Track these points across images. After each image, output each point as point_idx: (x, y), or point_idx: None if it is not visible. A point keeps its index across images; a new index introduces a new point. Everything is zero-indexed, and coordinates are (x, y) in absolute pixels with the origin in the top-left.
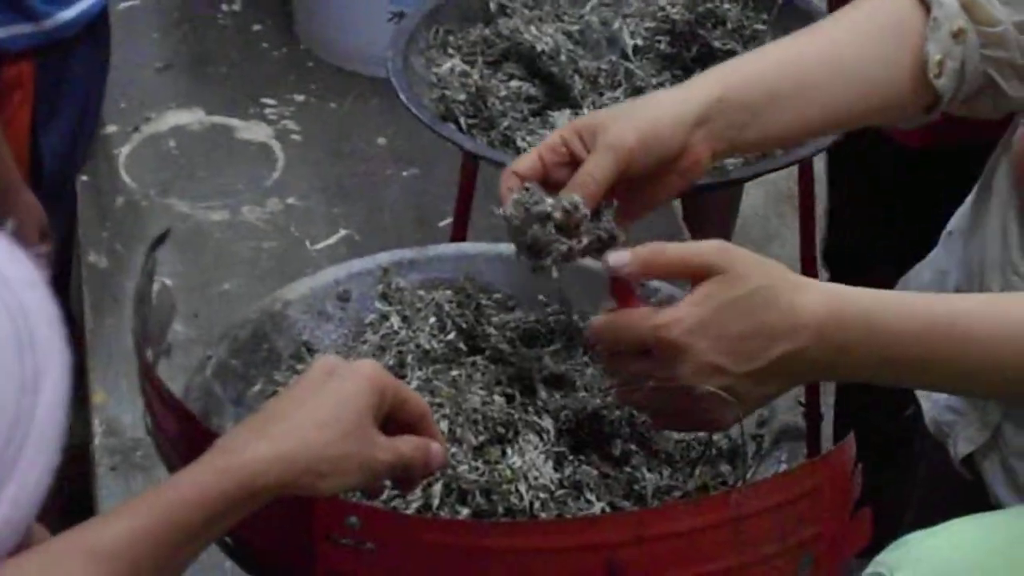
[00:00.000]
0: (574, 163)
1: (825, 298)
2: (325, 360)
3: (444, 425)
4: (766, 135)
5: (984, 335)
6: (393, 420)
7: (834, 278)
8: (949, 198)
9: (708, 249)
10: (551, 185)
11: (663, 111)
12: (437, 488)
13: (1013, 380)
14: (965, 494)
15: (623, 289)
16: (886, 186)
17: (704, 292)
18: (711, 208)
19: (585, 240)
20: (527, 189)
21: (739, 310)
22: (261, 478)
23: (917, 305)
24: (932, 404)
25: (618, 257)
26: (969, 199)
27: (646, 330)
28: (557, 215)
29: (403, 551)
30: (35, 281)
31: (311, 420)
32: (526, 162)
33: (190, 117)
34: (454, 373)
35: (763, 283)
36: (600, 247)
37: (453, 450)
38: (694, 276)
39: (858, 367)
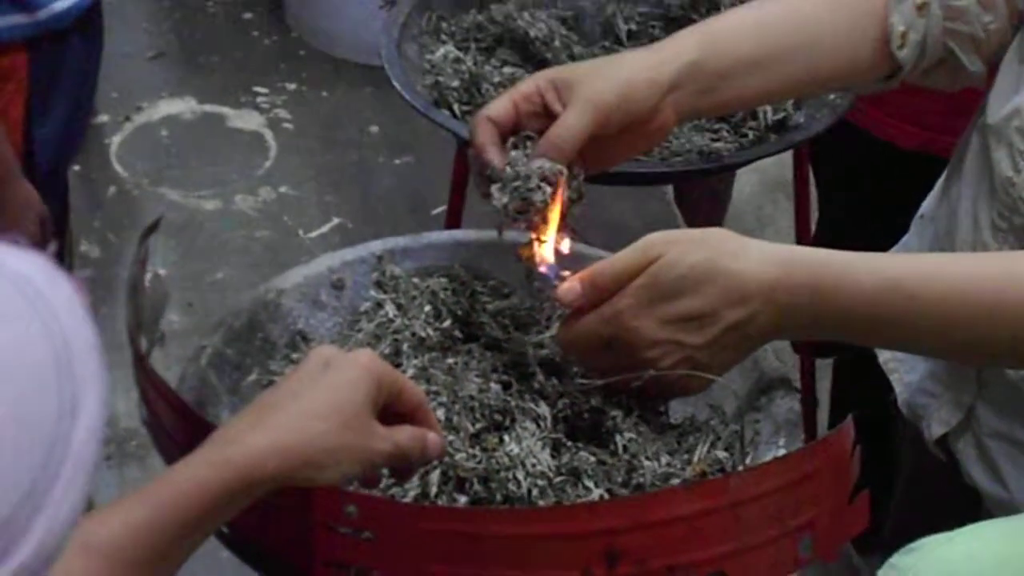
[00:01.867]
0: (546, 114)
1: (771, 262)
2: (321, 350)
3: (441, 413)
4: (731, 99)
5: (931, 296)
6: (390, 410)
7: None
8: (918, 173)
9: (644, 244)
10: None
11: (639, 72)
12: (435, 476)
13: (962, 341)
14: (943, 475)
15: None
16: (873, 186)
17: (644, 279)
18: (703, 193)
19: (561, 200)
20: (516, 147)
21: (680, 287)
22: (259, 470)
23: (864, 266)
24: (905, 387)
25: (569, 291)
26: (939, 182)
27: (600, 325)
28: (541, 182)
29: (401, 539)
30: (75, 305)
31: (308, 411)
32: (500, 108)
33: (182, 106)
34: (450, 361)
35: (701, 257)
36: (569, 205)
37: (450, 438)
38: (642, 272)
39: (809, 328)
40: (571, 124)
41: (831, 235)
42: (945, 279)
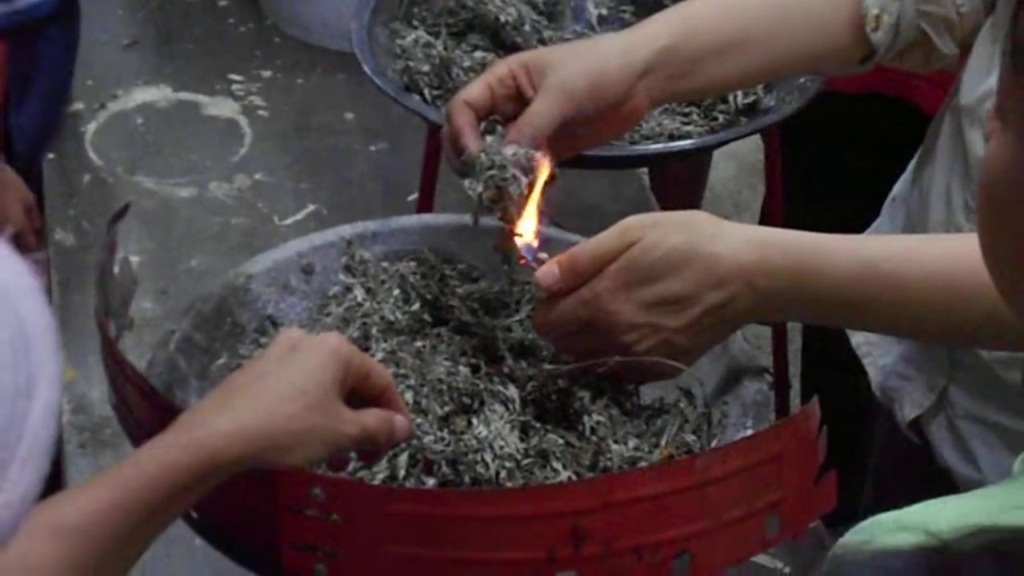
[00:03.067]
0: (519, 97)
1: (749, 245)
2: (288, 333)
3: (409, 396)
4: (704, 84)
5: (908, 277)
6: (357, 393)
7: None
8: (888, 155)
9: (622, 227)
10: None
11: (611, 57)
12: (403, 459)
13: (939, 322)
14: (917, 458)
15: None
16: (824, 137)
17: (622, 262)
18: (678, 177)
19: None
20: (491, 133)
21: (659, 270)
22: (224, 452)
23: (841, 248)
24: (878, 370)
25: (547, 275)
26: (911, 165)
27: (578, 308)
28: (515, 169)
29: (368, 521)
30: (31, 288)
31: (275, 393)
32: (476, 91)
33: (157, 94)
34: (419, 344)
35: (680, 240)
36: (542, 190)
37: (419, 421)
38: (620, 256)
39: (787, 311)
40: (541, 111)
41: (803, 217)
42: (922, 260)
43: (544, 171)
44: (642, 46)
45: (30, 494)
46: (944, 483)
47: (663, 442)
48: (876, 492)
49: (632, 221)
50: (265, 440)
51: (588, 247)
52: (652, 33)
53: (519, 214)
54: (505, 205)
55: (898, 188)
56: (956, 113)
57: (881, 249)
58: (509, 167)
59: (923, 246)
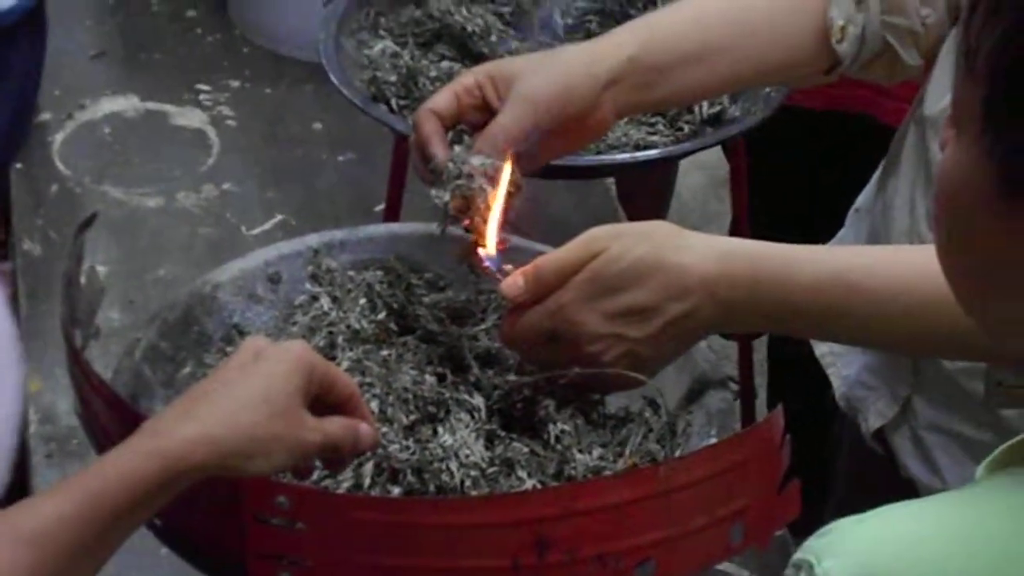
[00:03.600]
0: (485, 107)
1: (713, 256)
2: (253, 341)
3: (375, 405)
4: (669, 94)
5: (873, 288)
6: (322, 401)
7: None
8: (851, 168)
9: (587, 237)
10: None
11: (576, 68)
12: (368, 467)
13: (904, 333)
14: (881, 469)
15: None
16: (789, 151)
17: (587, 273)
18: (645, 187)
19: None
20: (458, 143)
21: (624, 280)
22: (187, 460)
23: (805, 258)
24: (842, 381)
25: (512, 286)
26: (875, 176)
27: (543, 319)
28: (482, 179)
29: (333, 529)
30: None
31: (239, 401)
32: (443, 101)
33: (124, 104)
34: (385, 353)
35: (645, 251)
36: (508, 200)
37: (384, 429)
38: (584, 267)
39: (751, 321)
40: (507, 121)
41: (769, 227)
42: (887, 271)
43: (509, 181)
44: (608, 56)
45: None
46: (908, 494)
47: (627, 451)
48: (840, 502)
49: (597, 232)
50: (229, 447)
51: (553, 258)
52: (618, 43)
53: (485, 224)
54: (471, 215)
55: (861, 199)
56: (920, 124)
57: (846, 259)
58: (476, 177)
59: (889, 257)
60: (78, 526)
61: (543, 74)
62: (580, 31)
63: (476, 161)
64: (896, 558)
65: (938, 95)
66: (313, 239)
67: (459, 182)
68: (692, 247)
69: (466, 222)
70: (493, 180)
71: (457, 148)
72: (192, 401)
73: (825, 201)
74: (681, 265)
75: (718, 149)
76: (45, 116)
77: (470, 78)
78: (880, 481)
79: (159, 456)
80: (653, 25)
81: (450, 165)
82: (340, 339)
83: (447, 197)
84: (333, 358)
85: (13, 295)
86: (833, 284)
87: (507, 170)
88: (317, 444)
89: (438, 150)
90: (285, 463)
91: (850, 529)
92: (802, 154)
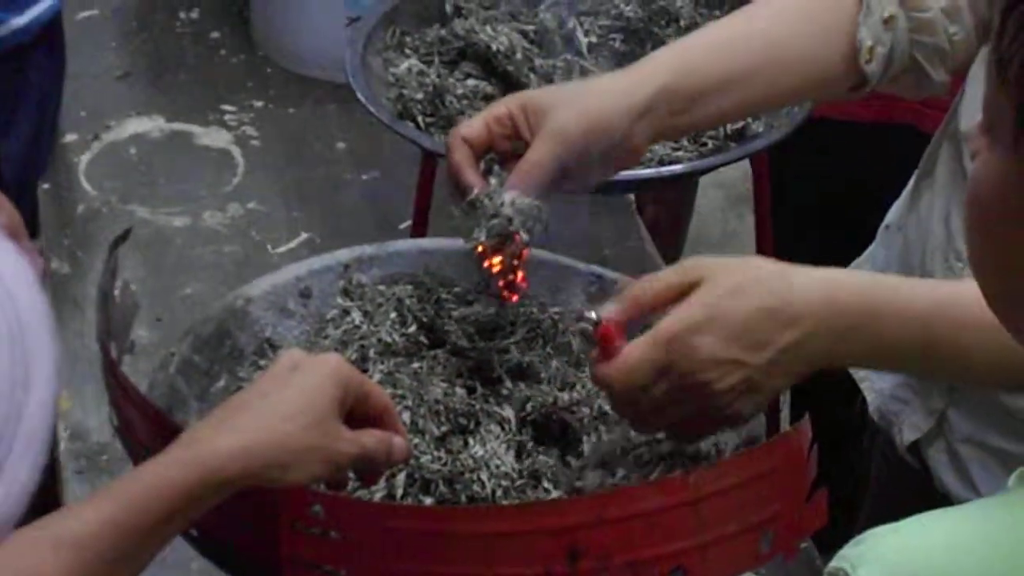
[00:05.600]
0: (517, 136)
1: (816, 284)
2: (290, 354)
3: (407, 416)
4: (701, 119)
5: (977, 319)
6: (356, 413)
7: None
8: (890, 180)
9: (688, 266)
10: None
11: (610, 101)
12: (400, 478)
13: (1007, 365)
14: (915, 482)
15: (608, 332)
16: (823, 163)
17: (696, 298)
18: (666, 203)
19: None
20: (488, 173)
21: (737, 301)
22: (225, 470)
23: (907, 291)
24: (876, 394)
25: (606, 309)
26: (906, 192)
27: (654, 350)
28: (518, 218)
29: (368, 538)
30: (27, 277)
31: (276, 413)
32: (475, 129)
33: (150, 124)
34: (415, 365)
35: (751, 275)
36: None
37: (416, 440)
38: (683, 296)
39: (860, 353)
40: (539, 158)
41: (791, 244)
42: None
43: (540, 217)
44: (640, 87)
45: (28, 485)
46: (942, 507)
47: (655, 473)
48: (871, 516)
49: (691, 262)
50: (265, 458)
51: (648, 285)
52: (650, 72)
53: (513, 263)
54: (505, 253)
55: (892, 216)
56: (955, 139)
57: (949, 292)
58: (515, 218)
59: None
60: (117, 533)
61: (575, 108)
62: (604, 49)
63: (508, 197)
64: (930, 566)
65: (973, 110)
66: (343, 254)
67: (495, 221)
68: (794, 271)
69: (495, 261)
70: (526, 220)
71: (492, 180)
72: (230, 412)
73: (857, 215)
74: (790, 286)
75: (736, 167)
76: (71, 137)
77: (503, 108)
78: (913, 494)
79: (197, 467)
80: (684, 53)
81: (486, 201)
82: (372, 352)
83: (483, 236)
84: (365, 371)
85: (45, 271)
86: (939, 314)
87: (541, 210)
88: (352, 456)
89: (472, 179)
90: (321, 474)
91: (885, 537)
92: (839, 166)
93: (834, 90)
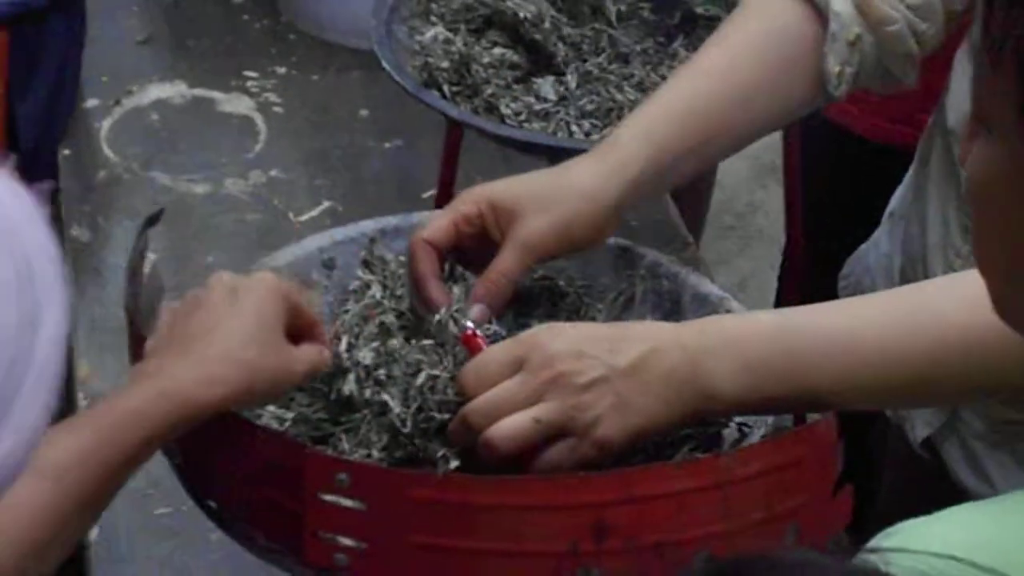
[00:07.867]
0: (484, 236)
1: (668, 326)
2: (222, 278)
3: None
4: (670, 184)
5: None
6: (290, 328)
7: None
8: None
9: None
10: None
11: (582, 206)
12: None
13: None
14: (929, 476)
15: (471, 340)
16: (845, 179)
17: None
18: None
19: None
20: (451, 277)
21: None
22: (191, 402)
23: (763, 314)
24: None
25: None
26: (907, 179)
27: (514, 345)
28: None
29: (393, 508)
30: (35, 217)
31: (234, 338)
32: (441, 231)
33: (172, 90)
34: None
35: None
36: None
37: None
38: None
39: (726, 374)
40: (507, 269)
41: (816, 220)
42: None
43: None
44: (613, 179)
45: (39, 426)
46: (959, 501)
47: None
48: (887, 511)
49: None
50: (231, 385)
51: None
52: (622, 164)
53: None
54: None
55: (895, 203)
56: (945, 136)
57: (802, 317)
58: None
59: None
60: (96, 462)
61: (546, 217)
62: (634, 18)
63: (474, 311)
64: (965, 560)
65: (958, 107)
66: (367, 225)
67: (459, 348)
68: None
69: None
70: (491, 343)
71: (456, 290)
72: (189, 340)
73: (857, 200)
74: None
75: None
76: (92, 102)
77: (471, 207)
78: (930, 488)
79: (165, 399)
80: (652, 131)
81: (451, 325)
82: (393, 328)
83: (451, 365)
84: (387, 342)
85: (55, 215)
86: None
87: (503, 335)
88: (302, 373)
89: (436, 295)
90: (279, 394)
91: (917, 529)
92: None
93: (800, 113)
